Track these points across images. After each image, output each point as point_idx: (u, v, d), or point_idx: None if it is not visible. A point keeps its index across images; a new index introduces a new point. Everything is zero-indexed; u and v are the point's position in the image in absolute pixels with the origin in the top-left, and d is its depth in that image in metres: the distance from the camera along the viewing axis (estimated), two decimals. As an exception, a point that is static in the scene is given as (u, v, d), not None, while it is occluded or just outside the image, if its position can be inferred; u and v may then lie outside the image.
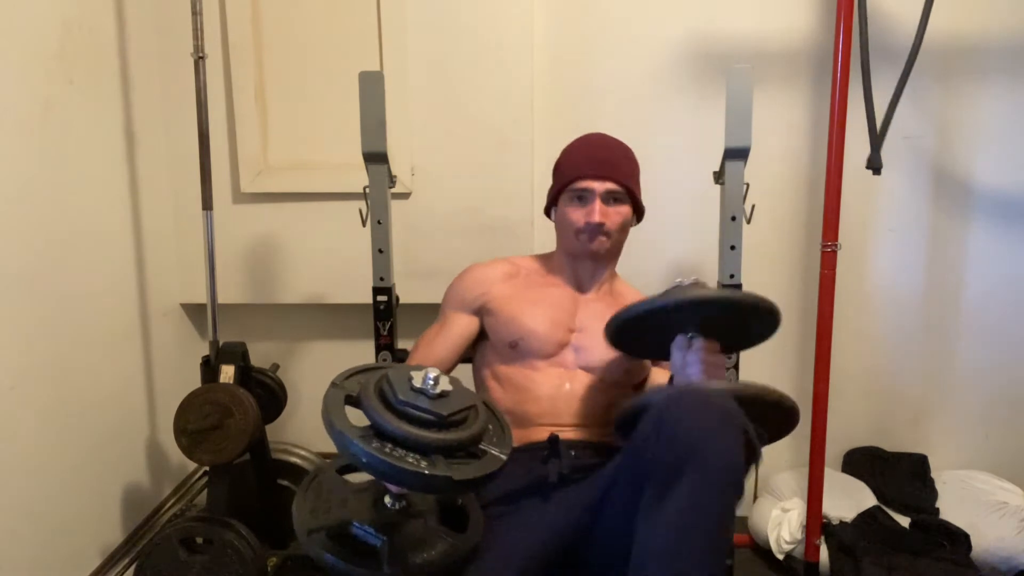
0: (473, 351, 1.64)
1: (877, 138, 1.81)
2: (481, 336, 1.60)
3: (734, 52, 2.15)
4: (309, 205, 2.18)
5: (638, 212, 1.58)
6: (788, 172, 2.23)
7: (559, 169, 1.58)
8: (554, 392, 1.48)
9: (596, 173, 1.48)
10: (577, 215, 1.50)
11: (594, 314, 1.53)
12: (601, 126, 2.20)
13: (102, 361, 1.91)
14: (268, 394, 2.01)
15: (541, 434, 1.44)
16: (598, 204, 1.47)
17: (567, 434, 1.44)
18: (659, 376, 1.59)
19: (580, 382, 1.50)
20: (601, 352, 1.49)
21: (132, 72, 2.01)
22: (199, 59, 1.84)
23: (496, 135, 2.14)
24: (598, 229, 1.48)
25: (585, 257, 1.55)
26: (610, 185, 1.48)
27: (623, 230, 1.54)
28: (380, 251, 1.76)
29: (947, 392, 2.32)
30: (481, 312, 1.57)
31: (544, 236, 2.08)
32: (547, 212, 1.63)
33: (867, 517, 2.07)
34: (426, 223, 2.16)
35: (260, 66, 2.13)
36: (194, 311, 2.32)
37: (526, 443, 1.43)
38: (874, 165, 1.83)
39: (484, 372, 1.58)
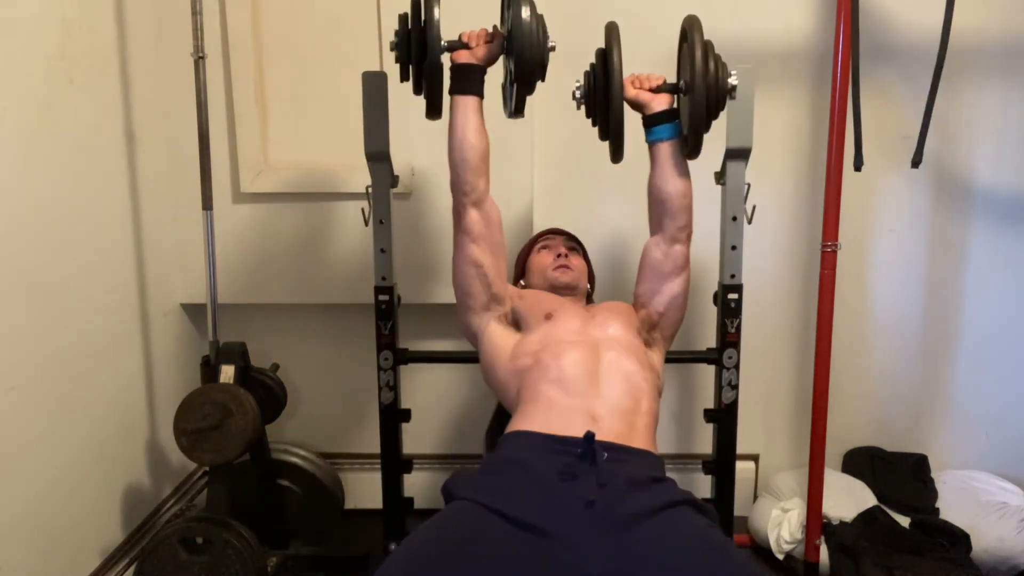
0: (490, 356, 1.65)
1: (920, 138, 1.83)
2: (495, 344, 1.65)
3: (734, 52, 2.14)
4: (309, 205, 2.18)
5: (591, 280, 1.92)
6: (788, 172, 2.23)
7: (522, 251, 1.94)
8: (584, 357, 1.50)
9: (553, 231, 1.93)
10: (546, 257, 1.83)
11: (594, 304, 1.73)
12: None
13: (102, 361, 1.90)
14: (268, 394, 2.00)
15: (573, 420, 1.39)
16: (561, 243, 1.86)
17: (601, 428, 1.38)
18: None
19: (606, 351, 1.53)
20: (613, 317, 1.63)
21: (132, 72, 2.00)
22: (199, 59, 1.84)
23: (496, 135, 2.13)
24: (564, 260, 1.79)
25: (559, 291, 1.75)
26: (565, 239, 1.89)
27: (583, 274, 1.84)
28: (382, 251, 1.76)
29: (947, 392, 2.33)
30: (512, 298, 1.69)
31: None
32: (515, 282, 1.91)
33: (867, 517, 2.08)
34: (426, 223, 2.16)
35: (260, 66, 2.13)
36: (194, 311, 2.32)
37: (558, 433, 1.38)
38: (915, 160, 1.83)
39: (519, 358, 1.57)
